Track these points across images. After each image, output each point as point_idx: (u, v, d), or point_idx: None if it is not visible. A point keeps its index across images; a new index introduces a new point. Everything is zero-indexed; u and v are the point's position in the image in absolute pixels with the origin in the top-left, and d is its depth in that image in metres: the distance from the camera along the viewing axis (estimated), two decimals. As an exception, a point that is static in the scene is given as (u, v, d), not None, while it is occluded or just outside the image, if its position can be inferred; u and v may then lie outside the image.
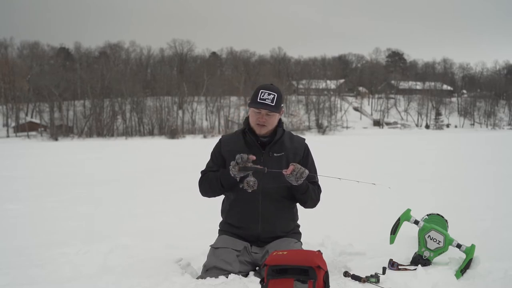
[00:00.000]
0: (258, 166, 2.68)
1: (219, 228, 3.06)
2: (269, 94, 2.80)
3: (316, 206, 2.97)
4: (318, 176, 2.96)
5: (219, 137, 3.12)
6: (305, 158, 2.92)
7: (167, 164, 14.28)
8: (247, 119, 2.93)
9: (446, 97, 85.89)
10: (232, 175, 2.71)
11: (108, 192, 7.98)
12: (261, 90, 2.82)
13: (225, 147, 2.93)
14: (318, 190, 2.94)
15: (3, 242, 4.24)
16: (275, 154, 2.85)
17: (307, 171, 2.70)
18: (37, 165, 15.05)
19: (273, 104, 2.79)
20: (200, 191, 2.98)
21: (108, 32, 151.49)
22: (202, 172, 2.99)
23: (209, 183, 2.89)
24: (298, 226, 3.05)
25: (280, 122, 2.93)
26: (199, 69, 78.10)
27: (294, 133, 3.09)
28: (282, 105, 2.88)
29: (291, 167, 2.65)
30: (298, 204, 3.03)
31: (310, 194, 2.84)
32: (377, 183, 3.14)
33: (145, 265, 3.22)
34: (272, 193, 2.82)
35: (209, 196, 2.98)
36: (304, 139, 3.02)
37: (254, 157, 2.69)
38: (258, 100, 2.79)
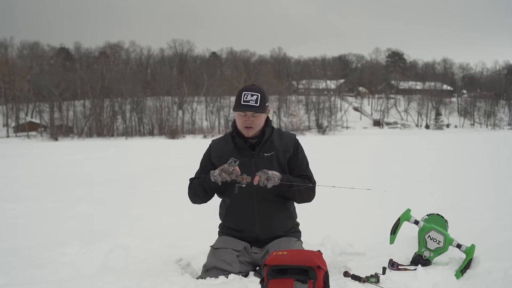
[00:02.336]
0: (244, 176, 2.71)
1: (218, 229, 3.06)
2: (252, 95, 2.77)
3: (312, 200, 2.93)
4: (311, 170, 2.95)
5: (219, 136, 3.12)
6: (295, 153, 2.90)
7: (167, 164, 14.27)
8: (234, 122, 2.91)
9: (446, 97, 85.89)
10: (213, 180, 2.74)
11: (108, 192, 7.98)
12: (244, 92, 2.79)
13: (214, 153, 2.94)
14: (310, 183, 2.86)
15: (3, 242, 4.24)
16: (265, 154, 2.84)
17: (274, 173, 2.68)
18: (37, 165, 15.04)
19: (258, 105, 2.77)
20: (189, 199, 2.99)
21: (108, 32, 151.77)
22: (190, 179, 3.00)
23: (194, 190, 2.91)
24: (298, 224, 3.04)
25: (268, 121, 2.92)
26: (199, 69, 78.14)
27: (293, 132, 3.08)
28: (267, 104, 2.86)
29: (256, 177, 2.65)
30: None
31: (295, 190, 2.78)
32: (372, 188, 3.12)
33: (145, 265, 3.22)
34: (266, 194, 2.81)
35: (197, 203, 2.99)
36: (294, 135, 3.00)
37: (238, 170, 2.70)
38: (242, 102, 2.77)
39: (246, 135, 2.84)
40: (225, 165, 2.73)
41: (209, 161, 2.94)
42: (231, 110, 68.21)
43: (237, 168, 2.70)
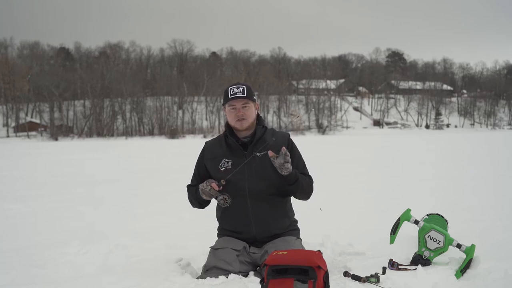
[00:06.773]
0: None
1: (217, 232, 3.06)
2: (238, 88, 2.83)
3: (310, 197, 2.91)
4: (306, 164, 2.94)
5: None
6: (290, 151, 2.83)
7: (167, 164, 14.28)
8: (227, 123, 2.93)
9: (446, 97, 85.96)
10: (204, 198, 2.79)
11: (108, 192, 7.98)
12: (230, 87, 2.86)
13: (208, 155, 2.94)
14: (310, 180, 2.88)
15: (4, 242, 4.24)
16: (258, 154, 2.82)
17: (289, 162, 2.68)
18: (37, 165, 15.05)
19: (245, 95, 2.81)
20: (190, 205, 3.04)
21: (108, 32, 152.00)
22: (188, 186, 3.02)
23: (190, 199, 2.97)
24: (296, 221, 3.01)
25: (260, 119, 2.92)
26: (199, 69, 78.16)
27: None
28: (254, 97, 2.89)
29: (283, 149, 2.64)
30: (293, 200, 2.99)
31: (300, 184, 2.77)
32: None
33: (145, 265, 3.22)
34: (259, 194, 2.80)
35: (198, 208, 3.01)
36: (288, 134, 2.97)
37: (217, 188, 2.72)
38: (230, 96, 2.82)
39: (240, 128, 2.84)
40: (203, 184, 2.76)
41: (202, 165, 2.95)
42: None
43: (213, 185, 2.72)
